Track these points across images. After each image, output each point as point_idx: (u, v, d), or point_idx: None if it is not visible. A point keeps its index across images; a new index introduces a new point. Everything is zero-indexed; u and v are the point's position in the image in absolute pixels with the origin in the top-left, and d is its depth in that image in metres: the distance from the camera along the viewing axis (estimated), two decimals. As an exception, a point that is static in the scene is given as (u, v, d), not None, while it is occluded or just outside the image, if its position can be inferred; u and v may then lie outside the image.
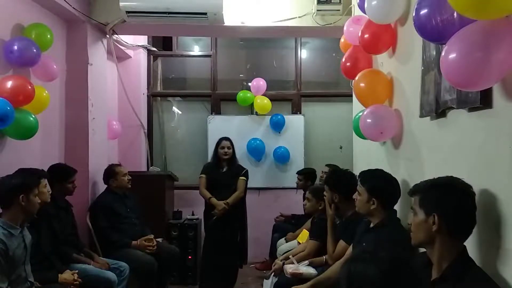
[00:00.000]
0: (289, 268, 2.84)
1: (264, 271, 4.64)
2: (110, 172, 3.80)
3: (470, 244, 1.58)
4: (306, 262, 2.91)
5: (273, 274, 3.12)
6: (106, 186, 3.84)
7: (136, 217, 3.79)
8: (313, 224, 3.28)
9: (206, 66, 5.55)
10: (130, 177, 3.83)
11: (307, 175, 4.56)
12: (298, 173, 4.66)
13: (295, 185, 4.78)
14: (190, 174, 5.08)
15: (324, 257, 2.90)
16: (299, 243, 3.58)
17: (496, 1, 1.21)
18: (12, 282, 2.35)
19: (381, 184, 2.21)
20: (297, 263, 2.91)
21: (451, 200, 1.47)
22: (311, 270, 2.81)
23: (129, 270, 3.30)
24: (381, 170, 2.32)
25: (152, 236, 3.66)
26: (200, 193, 4.10)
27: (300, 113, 5.44)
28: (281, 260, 3.14)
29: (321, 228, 3.06)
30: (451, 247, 1.48)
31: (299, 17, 3.92)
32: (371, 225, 2.23)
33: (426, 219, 1.50)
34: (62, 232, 3.11)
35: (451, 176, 1.56)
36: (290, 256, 3.06)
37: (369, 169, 2.36)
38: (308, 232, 3.52)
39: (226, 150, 4.08)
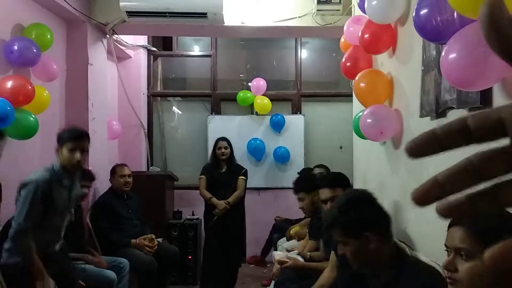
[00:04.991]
0: (277, 255, 2.82)
1: (252, 265, 4.77)
2: (111, 171, 3.82)
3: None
4: (296, 251, 2.89)
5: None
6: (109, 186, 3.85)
7: (137, 218, 3.78)
8: (311, 225, 3.28)
9: (206, 66, 5.55)
10: (129, 180, 3.78)
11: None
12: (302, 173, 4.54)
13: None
14: (190, 174, 5.08)
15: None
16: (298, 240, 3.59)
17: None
18: (46, 229, 2.37)
19: None
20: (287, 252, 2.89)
21: (370, 212, 1.57)
22: (300, 259, 2.80)
23: (129, 267, 3.30)
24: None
25: (153, 236, 3.65)
26: (200, 194, 4.11)
27: (300, 113, 5.44)
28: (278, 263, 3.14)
29: (320, 228, 3.06)
30: (387, 249, 1.55)
31: (299, 17, 3.91)
32: None
33: (360, 243, 1.52)
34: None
35: (351, 190, 1.70)
36: (285, 250, 3.06)
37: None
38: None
39: (223, 150, 4.09)
